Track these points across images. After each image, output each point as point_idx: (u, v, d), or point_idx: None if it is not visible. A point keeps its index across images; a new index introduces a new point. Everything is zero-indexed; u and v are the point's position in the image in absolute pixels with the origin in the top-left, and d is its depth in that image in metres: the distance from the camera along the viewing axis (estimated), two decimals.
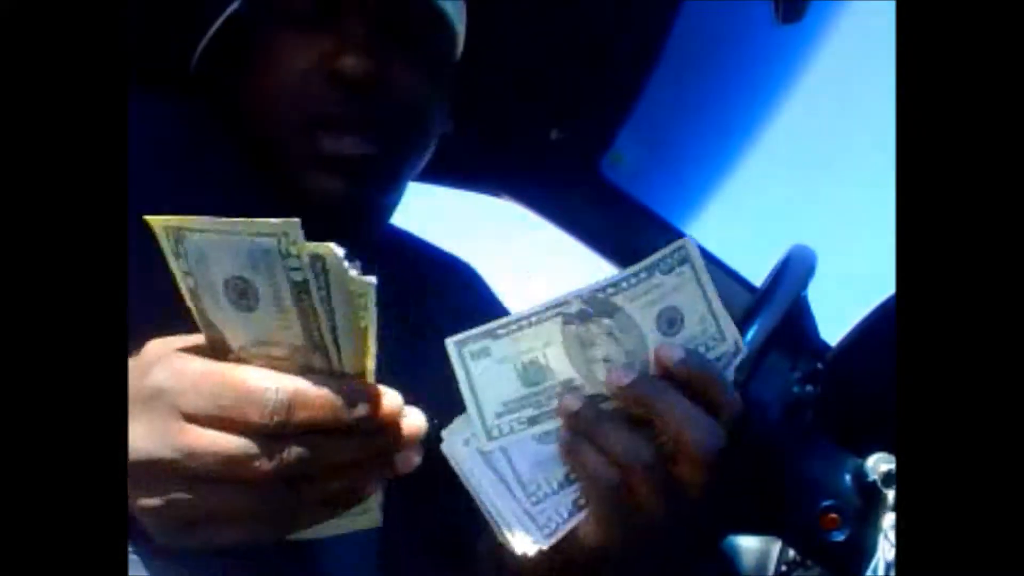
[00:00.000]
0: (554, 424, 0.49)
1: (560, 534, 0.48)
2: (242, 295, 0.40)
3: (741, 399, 0.51)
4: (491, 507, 0.48)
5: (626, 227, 1.28)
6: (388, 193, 0.72)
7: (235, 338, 0.42)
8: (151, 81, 0.71)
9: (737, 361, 0.52)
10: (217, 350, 0.42)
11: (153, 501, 0.41)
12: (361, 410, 0.41)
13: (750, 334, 0.70)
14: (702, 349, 0.51)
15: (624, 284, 0.49)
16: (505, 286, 0.86)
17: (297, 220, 0.39)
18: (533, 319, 0.49)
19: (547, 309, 0.49)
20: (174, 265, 0.41)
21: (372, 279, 0.40)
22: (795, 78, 1.21)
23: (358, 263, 0.40)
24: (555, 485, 0.49)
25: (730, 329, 0.52)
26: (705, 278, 0.51)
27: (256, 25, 0.67)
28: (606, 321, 0.49)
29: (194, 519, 0.41)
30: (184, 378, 0.40)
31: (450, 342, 0.48)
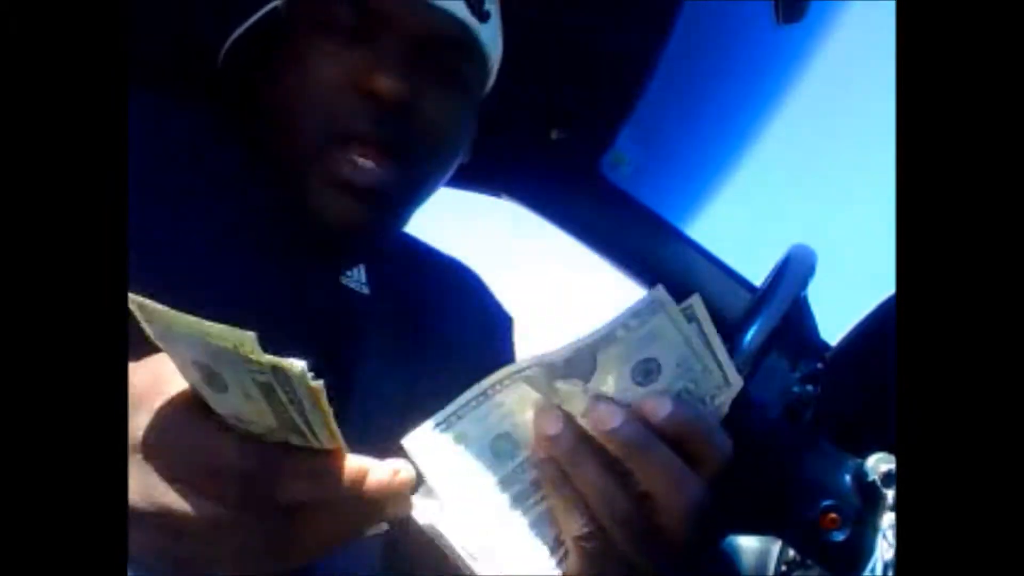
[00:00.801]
0: (533, 495, 0.47)
1: None
2: (211, 379, 0.39)
3: (731, 438, 0.48)
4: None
5: (626, 227, 1.29)
6: (399, 218, 0.71)
7: (215, 406, 0.41)
8: (174, 78, 0.70)
9: (729, 394, 0.50)
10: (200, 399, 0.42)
11: (146, 543, 0.40)
12: (330, 482, 0.40)
13: (750, 334, 0.70)
14: (685, 393, 0.48)
15: (594, 341, 0.46)
16: (506, 287, 0.86)
17: (252, 335, 0.38)
18: (497, 389, 0.46)
19: (509, 377, 0.46)
20: (150, 333, 0.40)
21: (320, 383, 0.39)
22: (795, 78, 1.22)
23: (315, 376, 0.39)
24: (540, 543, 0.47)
25: (716, 366, 0.49)
26: (681, 322, 0.47)
27: (294, 27, 0.66)
28: (577, 380, 0.46)
29: (184, 562, 0.40)
30: (165, 434, 0.40)
31: (408, 440, 0.45)
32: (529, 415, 0.47)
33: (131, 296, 0.39)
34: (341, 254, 0.69)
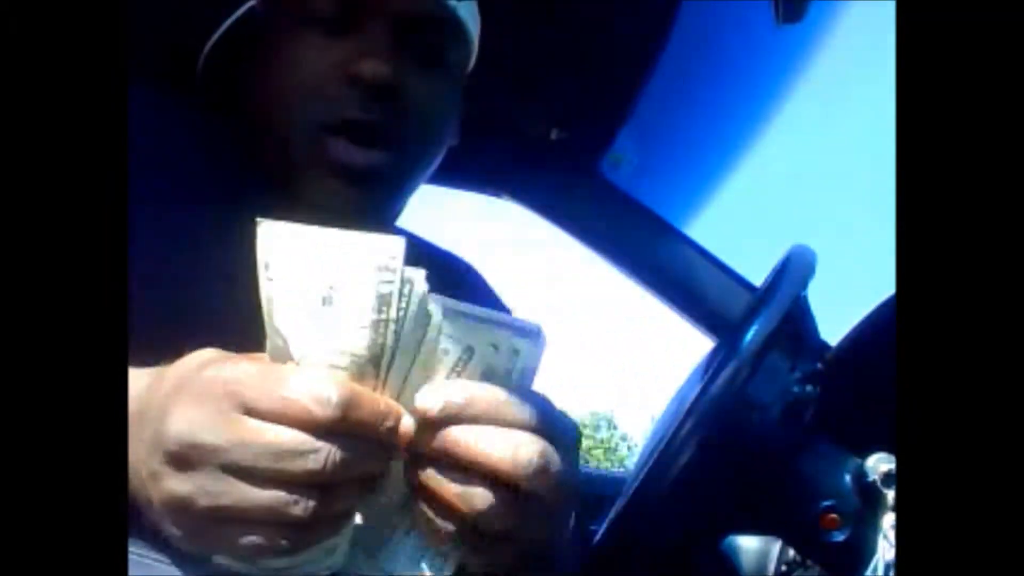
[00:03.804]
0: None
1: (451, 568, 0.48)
2: (325, 302, 0.42)
3: (538, 397, 0.47)
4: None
5: (626, 227, 1.29)
6: (393, 202, 0.72)
7: (299, 347, 0.43)
8: (156, 80, 0.71)
9: (522, 357, 0.47)
10: (276, 360, 0.43)
11: (185, 487, 0.40)
12: (391, 425, 0.42)
13: (750, 334, 0.70)
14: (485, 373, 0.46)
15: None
16: (504, 285, 0.86)
17: (403, 239, 0.41)
18: None
19: None
20: (261, 269, 0.42)
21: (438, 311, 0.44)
22: (795, 78, 1.22)
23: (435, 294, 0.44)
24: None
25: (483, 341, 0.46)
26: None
27: (273, 23, 0.67)
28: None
29: (218, 514, 0.41)
30: (247, 372, 0.41)
31: None
32: None
33: (267, 223, 0.41)
34: None
